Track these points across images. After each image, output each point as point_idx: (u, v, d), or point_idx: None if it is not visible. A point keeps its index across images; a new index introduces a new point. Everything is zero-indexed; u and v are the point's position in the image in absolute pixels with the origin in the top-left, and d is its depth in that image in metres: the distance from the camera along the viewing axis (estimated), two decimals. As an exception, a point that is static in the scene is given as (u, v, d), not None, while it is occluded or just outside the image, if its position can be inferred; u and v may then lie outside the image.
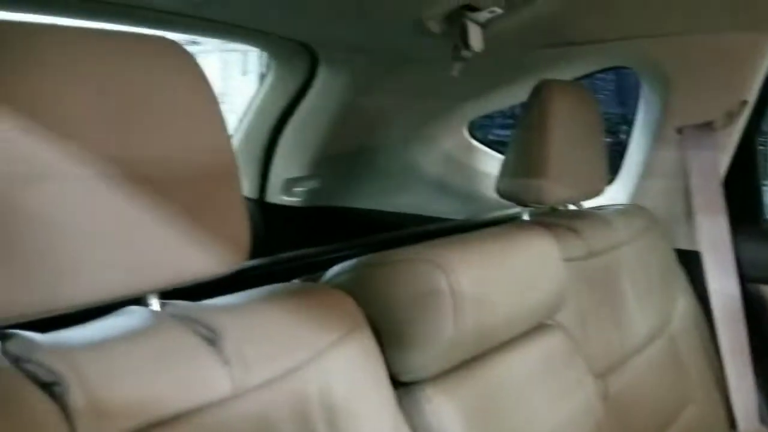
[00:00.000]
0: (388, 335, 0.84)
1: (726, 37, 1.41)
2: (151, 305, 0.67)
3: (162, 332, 0.63)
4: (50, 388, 0.54)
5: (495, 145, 1.98)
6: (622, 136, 1.94)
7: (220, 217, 0.64)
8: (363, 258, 0.91)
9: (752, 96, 1.47)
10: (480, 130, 2.03)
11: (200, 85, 0.64)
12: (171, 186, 0.60)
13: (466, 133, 1.97)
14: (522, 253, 0.99)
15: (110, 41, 0.59)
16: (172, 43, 0.64)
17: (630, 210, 1.51)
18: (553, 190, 1.20)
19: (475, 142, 1.98)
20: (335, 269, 0.92)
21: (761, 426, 1.47)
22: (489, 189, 1.54)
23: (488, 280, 0.89)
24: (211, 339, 0.65)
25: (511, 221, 1.32)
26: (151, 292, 0.66)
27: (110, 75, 0.58)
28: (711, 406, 1.46)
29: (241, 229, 0.67)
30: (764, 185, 1.62)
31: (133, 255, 0.58)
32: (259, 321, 0.70)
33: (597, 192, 1.35)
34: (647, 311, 1.35)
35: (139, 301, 0.67)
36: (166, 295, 0.67)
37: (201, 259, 0.63)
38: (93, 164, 0.55)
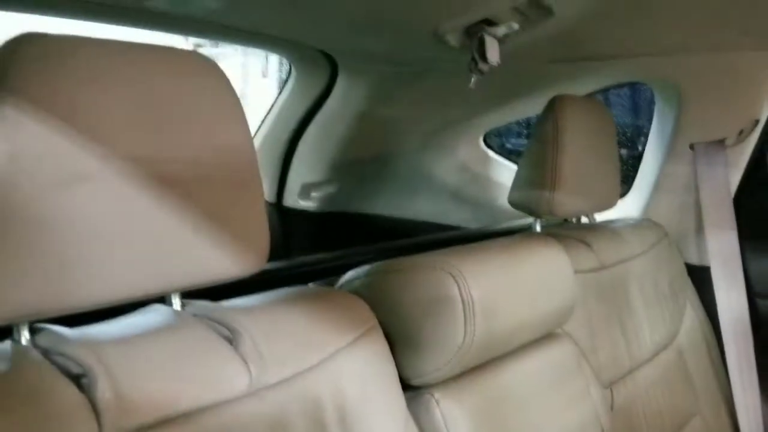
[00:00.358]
0: (400, 340, 0.86)
1: (739, 56, 1.43)
2: (173, 304, 0.70)
3: (184, 330, 0.66)
4: (78, 380, 0.57)
5: (510, 155, 2.01)
6: (640, 148, 1.96)
7: (242, 222, 0.67)
8: (377, 264, 0.94)
9: (764, 115, 1.49)
10: (496, 138, 2.05)
11: (226, 95, 0.67)
12: (195, 190, 0.63)
13: (481, 144, 1.99)
14: (533, 264, 1.01)
15: (142, 53, 0.62)
16: (202, 56, 0.67)
17: (641, 224, 1.52)
18: (565, 202, 1.22)
19: (490, 153, 2.00)
20: (350, 274, 0.95)
21: None
22: (503, 199, 1.56)
23: (499, 289, 0.91)
24: (230, 338, 0.67)
25: (523, 232, 1.34)
26: (174, 291, 0.69)
27: (141, 85, 0.61)
28: (717, 419, 1.47)
29: (262, 233, 0.69)
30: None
31: (157, 256, 0.61)
32: (276, 322, 0.73)
33: (609, 205, 1.37)
34: (656, 324, 1.36)
35: (162, 300, 0.70)
36: (187, 294, 0.71)
37: (223, 262, 0.66)
38: (122, 168, 0.58)
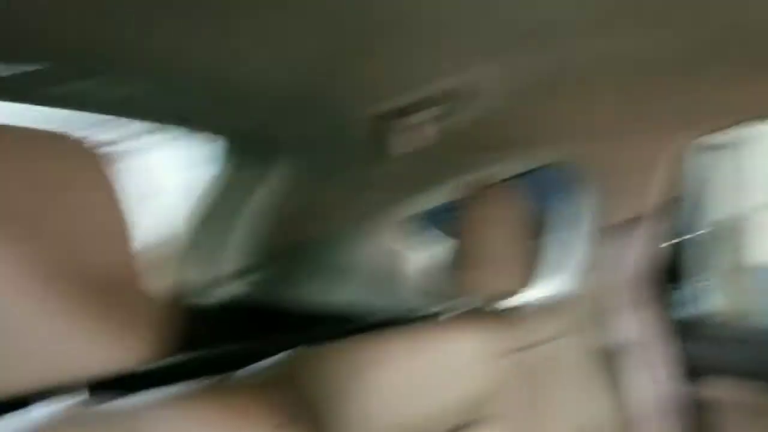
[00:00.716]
0: (315, 428, 0.84)
1: (654, 138, 1.51)
2: (72, 398, 0.66)
3: (82, 426, 0.62)
4: None
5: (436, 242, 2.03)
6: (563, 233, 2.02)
7: (135, 313, 0.65)
8: (289, 352, 0.92)
9: (678, 192, 1.56)
10: (421, 226, 2.08)
11: (106, 183, 0.65)
12: (77, 280, 0.61)
13: (403, 229, 2.01)
14: (447, 351, 1.01)
15: (22, 136, 0.61)
16: (84, 142, 0.66)
17: (562, 303, 1.55)
18: (485, 284, 1.24)
19: (412, 238, 2.02)
20: (263, 363, 0.92)
21: None
22: (425, 284, 1.57)
23: (416, 375, 0.90)
24: None
25: (442, 316, 1.35)
26: (71, 385, 0.65)
27: (19, 170, 0.59)
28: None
29: (158, 323, 0.67)
30: (691, 281, 1.70)
31: (51, 348, 0.58)
32: (183, 418, 0.70)
33: (527, 286, 1.39)
34: (578, 404, 1.37)
35: (62, 392, 0.66)
36: (92, 386, 0.67)
37: (120, 353, 0.63)
38: (5, 259, 0.56)
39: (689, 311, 1.71)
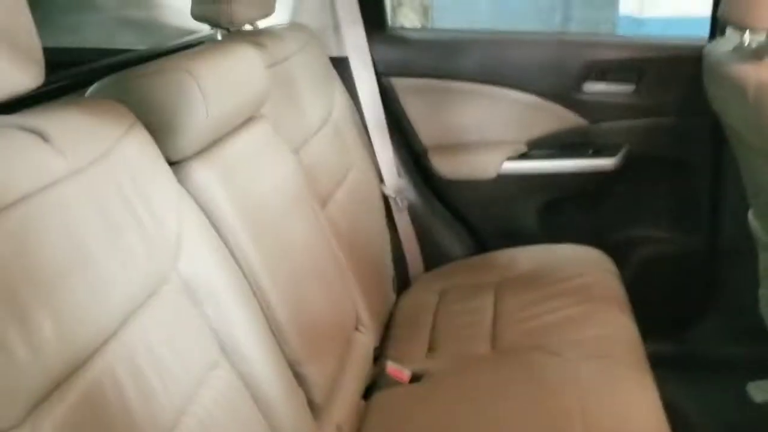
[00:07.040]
0: (158, 129, 1.09)
1: None
2: None
3: None
4: None
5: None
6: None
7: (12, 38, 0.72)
8: (124, 72, 1.13)
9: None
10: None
11: None
12: None
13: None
14: (237, 59, 1.30)
15: None
16: None
17: (293, 27, 1.87)
18: (241, 11, 1.51)
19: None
20: (98, 85, 1.12)
21: (399, 178, 2.06)
22: (169, 18, 1.74)
23: (221, 81, 1.19)
24: (41, 135, 0.83)
25: (209, 42, 1.59)
26: None
27: None
28: (366, 168, 1.98)
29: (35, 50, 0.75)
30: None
31: None
32: (68, 120, 0.90)
33: (270, 12, 1.68)
34: (317, 104, 1.77)
35: None
36: None
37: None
38: None
39: (386, 23, 2.13)
